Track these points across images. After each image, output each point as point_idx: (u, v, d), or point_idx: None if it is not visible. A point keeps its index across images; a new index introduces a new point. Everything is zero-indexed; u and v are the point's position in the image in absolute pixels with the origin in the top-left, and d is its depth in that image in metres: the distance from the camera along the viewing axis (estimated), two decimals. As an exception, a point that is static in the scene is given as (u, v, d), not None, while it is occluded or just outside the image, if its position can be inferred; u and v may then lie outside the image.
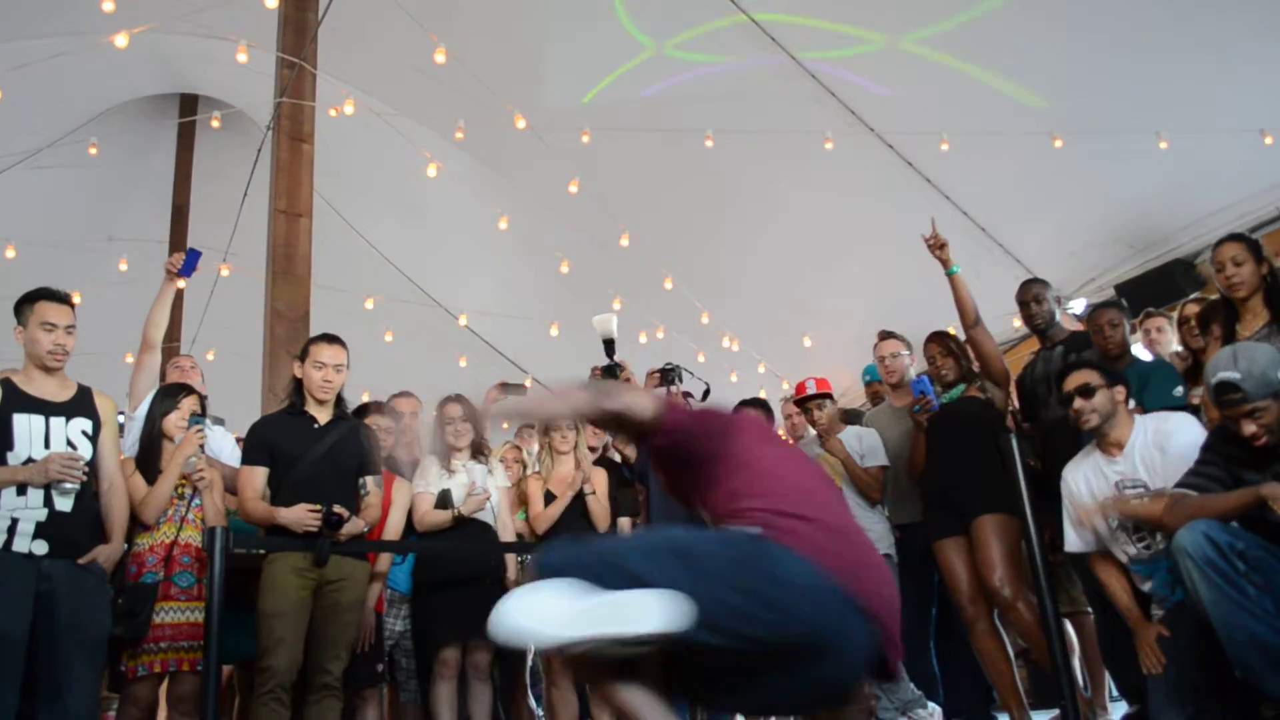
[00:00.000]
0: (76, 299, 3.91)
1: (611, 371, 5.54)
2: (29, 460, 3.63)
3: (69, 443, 3.73)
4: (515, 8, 7.49)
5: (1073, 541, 3.93)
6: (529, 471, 5.42)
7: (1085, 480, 3.87)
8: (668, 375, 5.41)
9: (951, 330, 5.03)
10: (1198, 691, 3.36)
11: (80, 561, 3.65)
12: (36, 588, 3.52)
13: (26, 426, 3.68)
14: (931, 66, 6.78)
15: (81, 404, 3.84)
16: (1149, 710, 3.67)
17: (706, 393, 5.70)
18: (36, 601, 3.51)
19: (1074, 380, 3.88)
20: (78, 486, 3.65)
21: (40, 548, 3.56)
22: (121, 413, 4.73)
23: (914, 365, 5.33)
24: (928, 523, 4.71)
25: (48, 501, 3.60)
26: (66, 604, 3.56)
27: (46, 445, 3.68)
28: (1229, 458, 3.37)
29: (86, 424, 3.82)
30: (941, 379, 4.80)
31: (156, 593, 3.98)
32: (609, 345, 5.59)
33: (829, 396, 5.17)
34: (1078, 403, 3.83)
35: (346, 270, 9.04)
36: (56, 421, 3.74)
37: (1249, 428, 3.26)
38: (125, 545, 4.04)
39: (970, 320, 4.73)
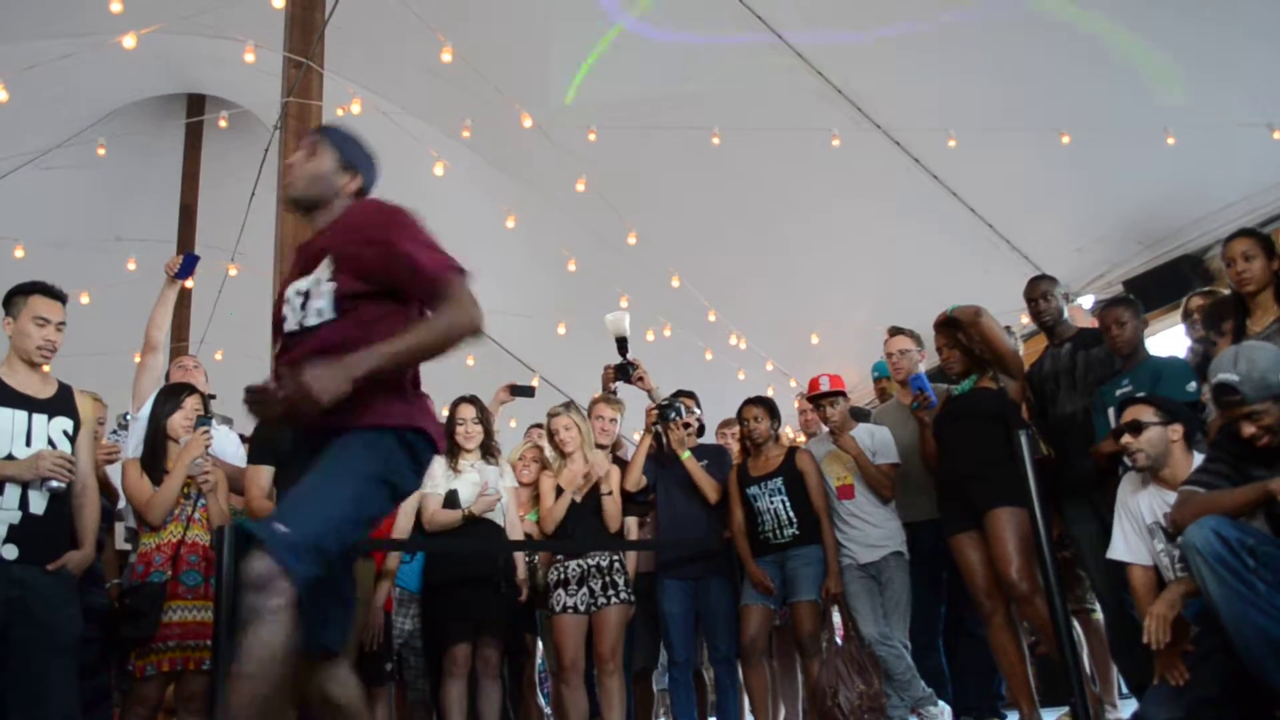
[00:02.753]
0: (85, 299, 3.90)
1: (624, 370, 5.54)
2: (10, 457, 3.56)
3: (50, 441, 3.67)
4: (521, 6, 7.49)
5: (1120, 551, 3.87)
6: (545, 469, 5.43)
7: (1150, 509, 3.77)
8: (664, 412, 5.34)
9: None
10: (1196, 699, 3.35)
11: (50, 568, 3.59)
12: (7, 593, 3.46)
13: (9, 421, 3.61)
14: (939, 62, 6.77)
15: (63, 403, 3.78)
16: (1141, 704, 3.67)
17: (701, 429, 5.66)
18: (7, 607, 3.45)
19: (1128, 415, 3.80)
20: (63, 486, 3.60)
21: (10, 552, 3.49)
22: (126, 414, 4.76)
23: (923, 361, 5.32)
24: (943, 518, 4.70)
25: (23, 503, 3.54)
26: (38, 609, 3.51)
27: (28, 443, 3.62)
28: (1237, 454, 3.37)
29: (68, 423, 3.76)
30: (949, 370, 4.79)
31: (164, 593, 3.98)
32: (622, 343, 5.58)
33: (843, 394, 5.17)
34: (1125, 438, 3.77)
35: (354, 269, 9.03)
36: (39, 419, 3.68)
37: (1248, 429, 3.27)
38: (107, 551, 4.02)
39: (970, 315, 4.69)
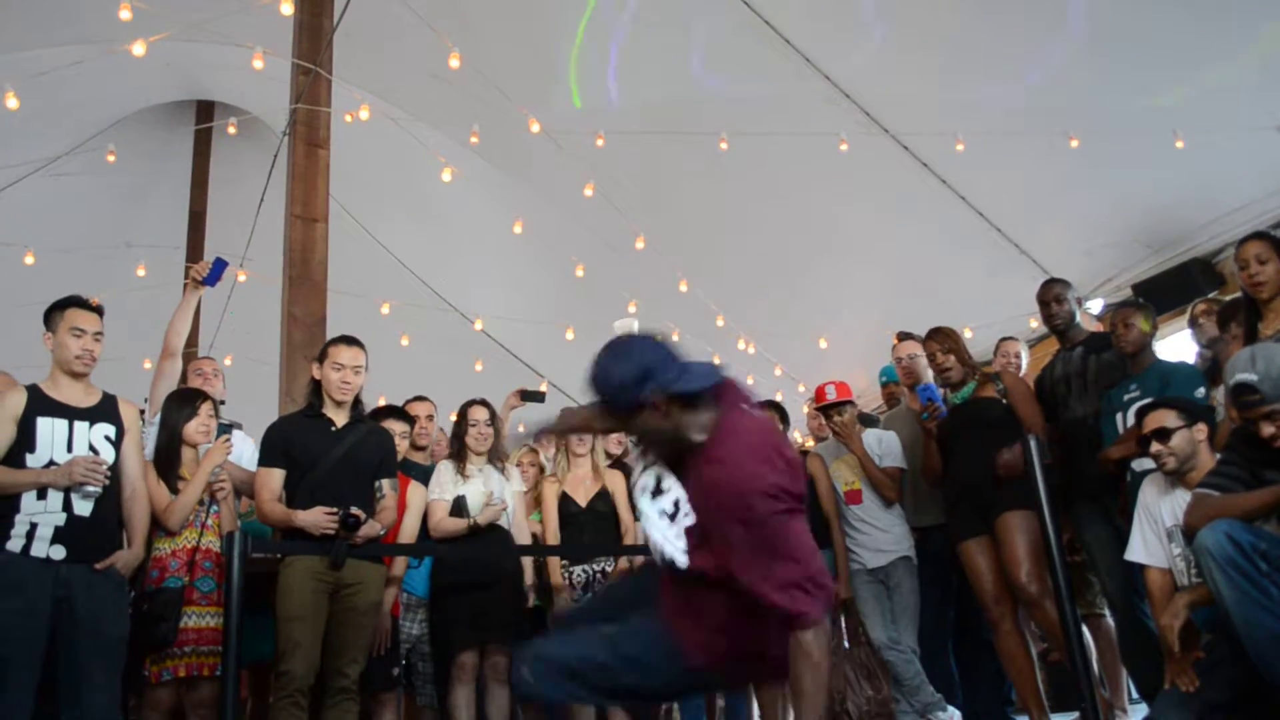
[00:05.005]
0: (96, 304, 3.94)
1: None
2: (51, 463, 3.65)
3: (91, 447, 3.75)
4: (529, 12, 7.51)
5: (1138, 553, 3.84)
6: (545, 475, 5.42)
7: (1171, 512, 3.74)
8: None
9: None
10: (1208, 704, 3.34)
11: (98, 567, 3.67)
12: (54, 593, 3.55)
13: (50, 430, 3.70)
14: (946, 64, 6.77)
15: (106, 410, 3.87)
16: (1152, 709, 3.66)
17: None
18: (55, 606, 3.54)
19: (1151, 422, 3.75)
20: (99, 491, 3.67)
21: (58, 553, 3.58)
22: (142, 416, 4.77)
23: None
24: (951, 524, 4.70)
25: (66, 506, 3.62)
26: (84, 609, 3.59)
27: (69, 449, 3.70)
28: (1250, 457, 3.35)
29: (110, 429, 3.84)
30: (946, 378, 4.80)
31: (182, 598, 4.00)
32: None
33: (850, 403, 5.17)
34: (1154, 446, 3.72)
35: (362, 275, 9.06)
36: (80, 426, 3.77)
37: (1267, 429, 3.25)
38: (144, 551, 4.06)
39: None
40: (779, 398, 7.07)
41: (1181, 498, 3.67)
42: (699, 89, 7.44)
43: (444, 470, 4.93)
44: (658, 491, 2.54)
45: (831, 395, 5.15)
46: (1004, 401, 4.65)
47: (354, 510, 3.96)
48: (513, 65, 7.55)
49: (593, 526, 5.05)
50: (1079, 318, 4.94)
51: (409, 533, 4.69)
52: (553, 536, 5.06)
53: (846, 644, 5.26)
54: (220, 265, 4.89)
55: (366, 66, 7.39)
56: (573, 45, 7.44)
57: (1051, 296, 4.90)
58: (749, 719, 5.32)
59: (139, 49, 6.18)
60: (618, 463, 5.48)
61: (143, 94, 9.41)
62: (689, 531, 2.44)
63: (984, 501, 4.47)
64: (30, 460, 3.64)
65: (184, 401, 4.36)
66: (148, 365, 5.01)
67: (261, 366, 6.99)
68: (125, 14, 6.01)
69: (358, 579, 4.07)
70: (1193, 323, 5.21)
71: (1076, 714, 4.04)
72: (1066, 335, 4.90)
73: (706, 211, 8.54)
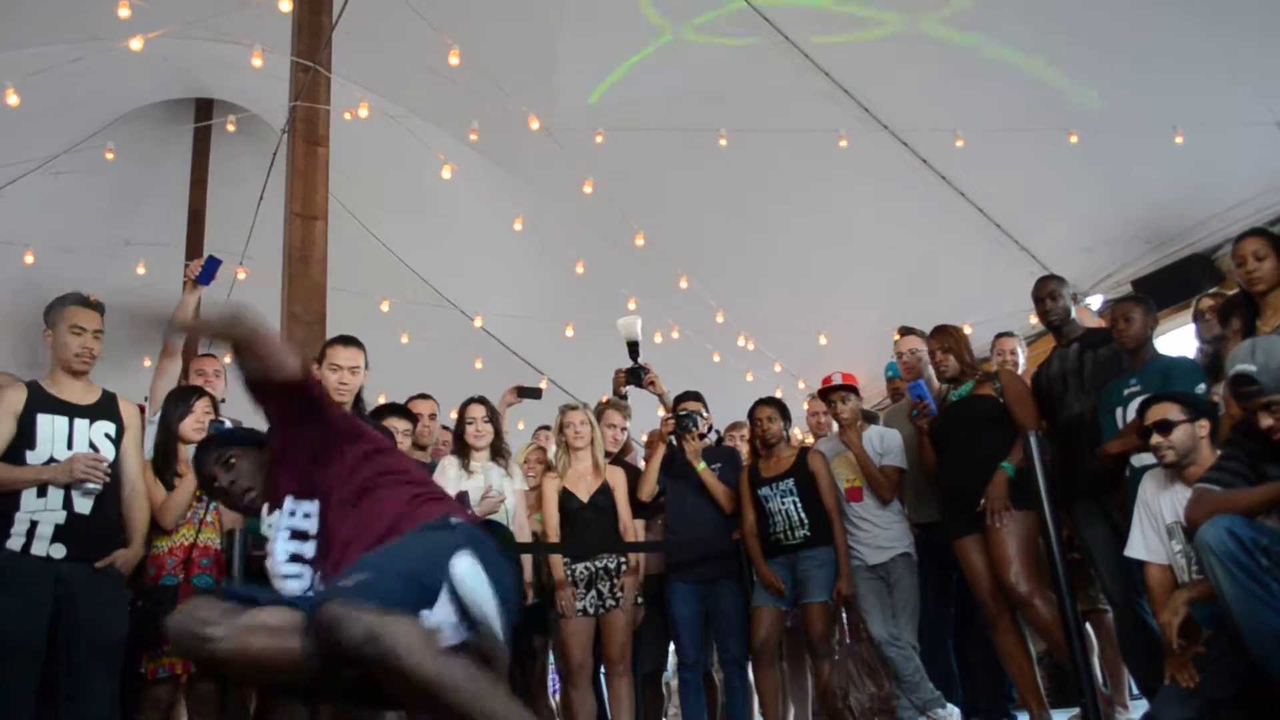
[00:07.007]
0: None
1: (636, 374, 5.53)
2: (51, 460, 3.65)
3: (91, 445, 3.76)
4: (529, 9, 7.50)
5: (1138, 549, 3.84)
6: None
7: (1172, 508, 3.72)
8: (682, 423, 5.31)
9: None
10: (1209, 700, 3.34)
11: (98, 565, 3.68)
12: (54, 591, 3.55)
13: (50, 427, 3.70)
14: (946, 60, 6.76)
15: (106, 408, 3.87)
16: (1152, 705, 3.67)
17: (706, 433, 5.62)
18: (54, 605, 3.54)
19: (1154, 415, 3.73)
20: (99, 488, 3.67)
21: (58, 551, 3.58)
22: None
23: (934, 362, 5.32)
24: (947, 522, 4.71)
25: (67, 503, 3.62)
26: (84, 607, 3.59)
27: (69, 446, 3.70)
28: (1251, 452, 3.36)
29: (110, 427, 3.85)
30: (941, 375, 4.81)
31: (177, 595, 3.99)
32: (633, 348, 5.57)
33: (854, 390, 5.17)
34: (1155, 438, 3.71)
35: (362, 273, 9.06)
36: (80, 423, 3.77)
37: (1265, 421, 3.26)
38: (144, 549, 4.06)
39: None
40: (779, 394, 7.06)
41: (1181, 493, 3.67)
42: (698, 85, 7.43)
43: (449, 466, 4.94)
44: None
45: (839, 381, 5.13)
46: (1000, 400, 4.65)
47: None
48: (512, 62, 7.53)
49: (594, 522, 5.05)
50: (1075, 314, 4.94)
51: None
52: (553, 531, 5.06)
53: (849, 640, 5.27)
54: (213, 263, 4.89)
55: (366, 64, 7.38)
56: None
57: (1046, 293, 4.90)
58: (749, 714, 5.32)
59: (136, 46, 6.17)
60: (618, 459, 5.48)
61: (141, 92, 9.38)
62: None
63: (977, 499, 4.48)
64: (31, 457, 3.64)
65: (180, 399, 4.36)
66: (148, 364, 5.00)
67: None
68: (124, 11, 5.99)
69: (359, 577, 4.06)
70: (1197, 317, 5.21)
71: (1077, 710, 4.05)
72: (1062, 332, 4.90)
73: (706, 208, 8.53)
